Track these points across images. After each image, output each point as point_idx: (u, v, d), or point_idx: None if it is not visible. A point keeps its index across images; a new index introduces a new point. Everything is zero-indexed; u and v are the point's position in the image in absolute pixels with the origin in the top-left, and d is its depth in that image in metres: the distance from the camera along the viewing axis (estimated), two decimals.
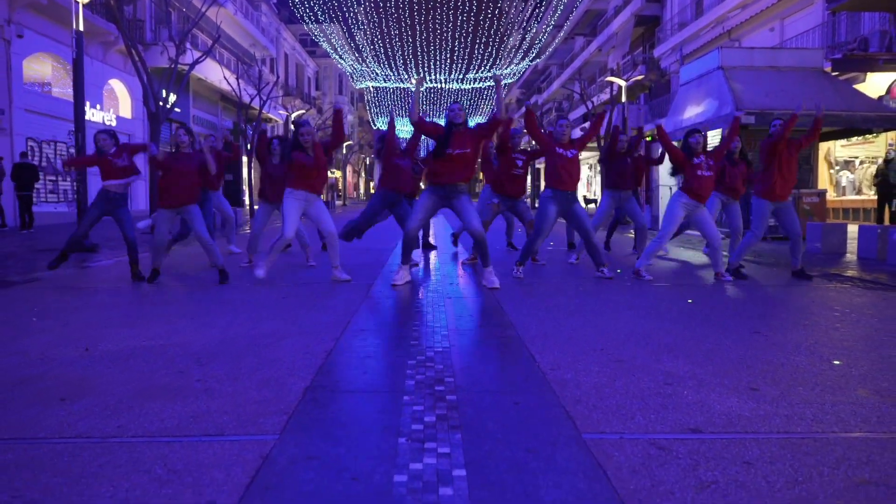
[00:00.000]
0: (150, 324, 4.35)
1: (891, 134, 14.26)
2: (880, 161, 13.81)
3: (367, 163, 60.59)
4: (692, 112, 13.78)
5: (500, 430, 2.37)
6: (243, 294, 5.60)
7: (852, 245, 9.86)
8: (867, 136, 14.24)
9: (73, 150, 18.07)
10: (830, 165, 16.90)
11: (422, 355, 3.43)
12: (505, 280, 6.28)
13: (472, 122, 6.27)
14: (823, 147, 15.23)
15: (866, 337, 3.99)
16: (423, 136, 6.60)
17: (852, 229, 11.29)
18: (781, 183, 6.47)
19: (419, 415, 2.52)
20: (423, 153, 8.18)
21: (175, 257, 8.87)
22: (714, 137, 13.16)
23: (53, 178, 17.41)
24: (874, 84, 14.30)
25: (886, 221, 13.45)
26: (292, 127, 6.36)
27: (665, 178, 14.71)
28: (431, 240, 9.71)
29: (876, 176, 13.59)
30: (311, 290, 5.81)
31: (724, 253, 7.64)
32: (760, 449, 2.22)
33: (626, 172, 8.20)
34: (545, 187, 6.60)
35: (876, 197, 13.76)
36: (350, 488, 1.91)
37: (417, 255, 8.73)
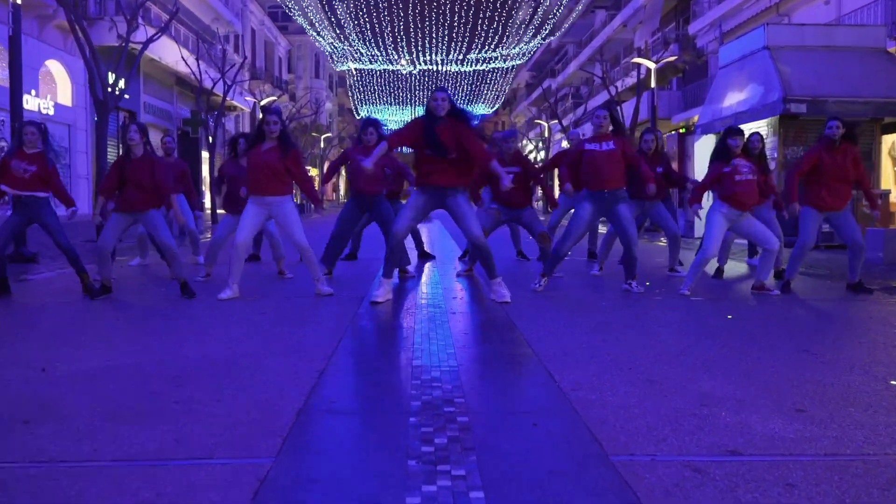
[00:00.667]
0: (113, 343, 4.54)
1: None
2: None
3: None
4: (733, 100, 14.07)
5: (519, 452, 2.56)
6: (212, 309, 5.79)
7: None
8: None
9: (3, 144, 18.29)
10: (895, 162, 17.18)
11: (427, 374, 3.63)
12: (516, 293, 6.50)
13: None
14: (887, 141, 15.51)
15: None
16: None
17: None
18: (828, 192, 6.56)
19: (429, 436, 2.71)
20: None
21: (129, 269, 9.06)
22: (760, 128, 13.45)
23: None
24: None
25: None
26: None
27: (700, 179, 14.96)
28: (427, 248, 9.92)
29: None
30: (292, 304, 6.00)
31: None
32: (805, 471, 2.41)
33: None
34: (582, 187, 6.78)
35: None
36: None
37: (413, 266, 8.93)
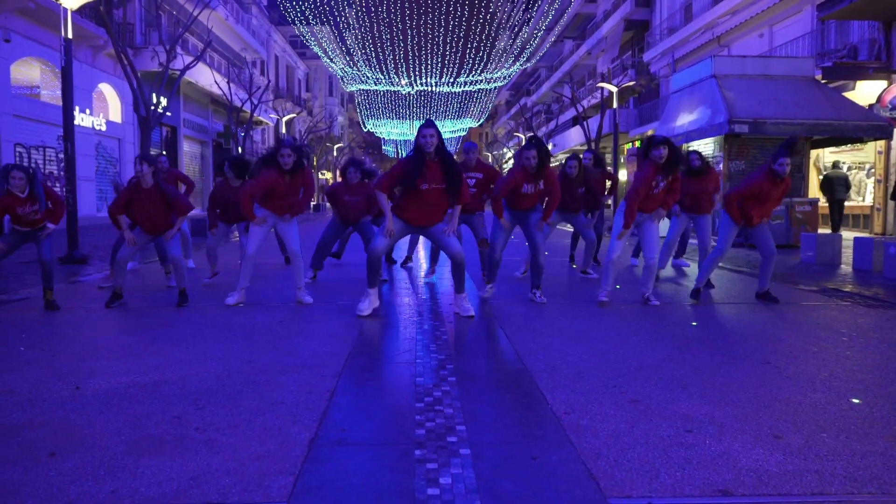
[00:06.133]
0: (144, 354, 4.16)
1: (880, 142, 14.26)
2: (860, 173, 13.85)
3: None
4: (684, 120, 13.71)
5: (520, 494, 2.21)
6: (238, 317, 5.42)
7: (846, 255, 9.81)
8: (857, 143, 14.24)
9: (62, 156, 17.76)
10: (819, 171, 16.90)
11: (429, 396, 3.27)
12: (501, 301, 6.15)
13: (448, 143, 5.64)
14: (813, 154, 15.22)
15: (880, 367, 3.88)
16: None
17: (846, 237, 11.25)
18: (757, 213, 6.03)
19: (433, 474, 2.36)
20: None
21: (157, 276, 8.67)
22: (707, 145, 13.10)
23: None
24: (863, 92, 14.28)
25: (876, 228, 13.46)
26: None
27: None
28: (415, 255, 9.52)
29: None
30: (304, 314, 5.62)
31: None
32: None
33: (575, 197, 7.64)
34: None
35: (870, 203, 13.79)
36: None
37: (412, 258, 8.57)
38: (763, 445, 2.65)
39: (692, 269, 8.73)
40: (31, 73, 17.24)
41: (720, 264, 9.05)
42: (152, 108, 14.17)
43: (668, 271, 8.48)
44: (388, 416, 3.00)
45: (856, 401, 3.24)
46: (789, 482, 2.33)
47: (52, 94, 17.87)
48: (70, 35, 9.52)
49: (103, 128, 19.59)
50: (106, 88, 20.40)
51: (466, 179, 7.07)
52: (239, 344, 4.43)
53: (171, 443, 2.69)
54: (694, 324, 5.15)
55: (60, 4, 9.55)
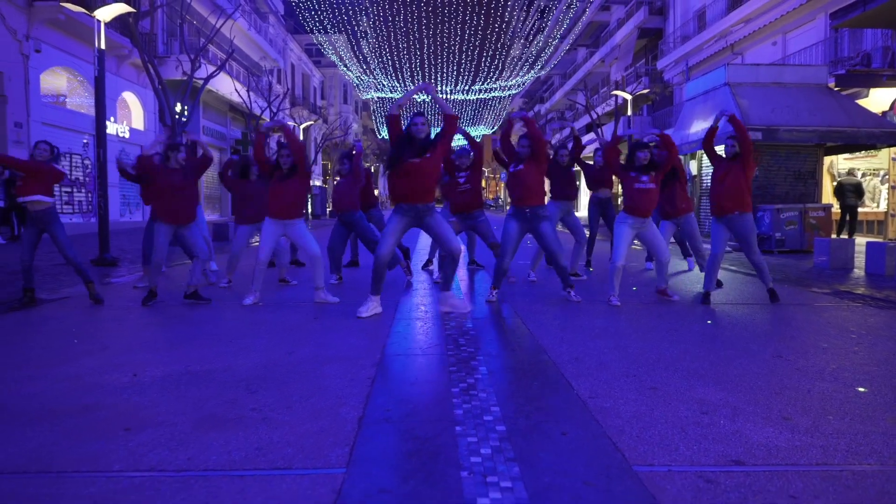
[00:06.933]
0: (190, 347, 4.46)
1: (893, 149, 14.38)
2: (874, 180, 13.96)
3: (373, 171, 60.77)
4: (698, 127, 13.91)
5: (554, 462, 2.47)
6: (273, 315, 5.71)
7: (859, 260, 9.97)
8: (870, 150, 14.38)
9: (87, 163, 18.24)
10: (833, 178, 17.02)
11: (463, 382, 3.54)
12: (523, 300, 6.38)
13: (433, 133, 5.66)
14: (826, 160, 15.36)
15: (886, 361, 4.09)
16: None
17: (859, 242, 11.40)
18: (723, 197, 6.20)
19: (475, 447, 2.62)
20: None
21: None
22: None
23: (69, 189, 17.55)
24: (877, 100, 14.43)
25: (890, 234, 13.57)
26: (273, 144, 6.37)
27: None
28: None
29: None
30: (336, 312, 5.90)
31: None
32: (803, 482, 2.32)
33: (568, 182, 7.90)
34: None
35: (884, 209, 13.90)
36: None
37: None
38: (773, 425, 2.90)
39: (696, 271, 8.93)
40: (58, 82, 17.76)
41: (732, 268, 9.25)
42: (177, 116, 14.58)
43: (675, 270, 8.68)
44: (428, 400, 3.27)
45: (861, 389, 3.47)
46: (796, 454, 2.57)
47: (77, 102, 18.37)
48: (104, 46, 9.92)
49: (127, 135, 20.08)
50: (129, 97, 20.90)
51: (458, 178, 7.36)
52: (277, 338, 4.72)
53: (232, 420, 2.97)
54: (709, 322, 5.37)
55: (94, 17, 9.96)
